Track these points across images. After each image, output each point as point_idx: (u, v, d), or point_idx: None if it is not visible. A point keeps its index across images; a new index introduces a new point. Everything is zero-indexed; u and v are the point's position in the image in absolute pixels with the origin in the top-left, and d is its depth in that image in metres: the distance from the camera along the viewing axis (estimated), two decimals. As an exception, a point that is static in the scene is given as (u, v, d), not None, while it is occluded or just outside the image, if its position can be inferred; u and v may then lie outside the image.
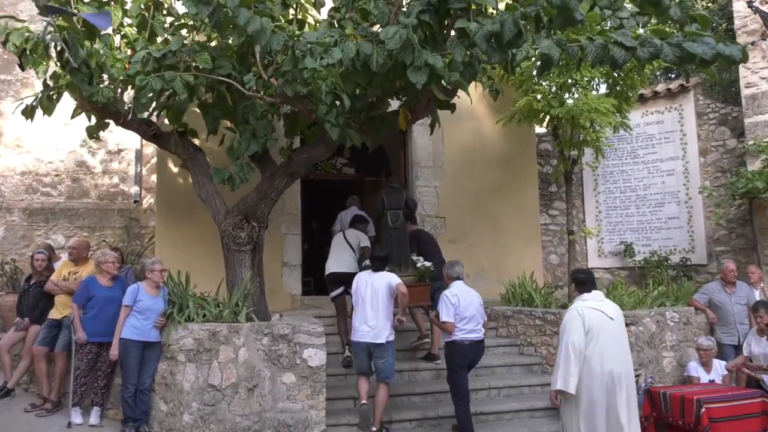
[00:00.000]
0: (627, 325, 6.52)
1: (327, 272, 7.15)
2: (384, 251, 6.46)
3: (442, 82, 4.60)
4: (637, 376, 6.22)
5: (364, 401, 5.86)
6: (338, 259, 7.14)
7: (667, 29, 4.65)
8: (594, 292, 5.05)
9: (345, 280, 6.85)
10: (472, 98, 8.83)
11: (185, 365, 5.62)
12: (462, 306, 5.90)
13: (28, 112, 6.05)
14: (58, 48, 5.11)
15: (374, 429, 5.80)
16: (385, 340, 5.95)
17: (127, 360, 5.59)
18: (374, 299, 6.01)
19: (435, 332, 6.84)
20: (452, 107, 5.82)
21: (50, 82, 6.01)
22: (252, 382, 5.61)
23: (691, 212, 9.76)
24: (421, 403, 6.49)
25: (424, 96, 5.41)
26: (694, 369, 6.70)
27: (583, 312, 4.84)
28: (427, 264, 6.79)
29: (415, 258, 6.96)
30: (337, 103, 5.41)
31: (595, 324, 4.77)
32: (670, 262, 9.66)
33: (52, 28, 4.89)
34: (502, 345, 7.57)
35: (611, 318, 4.84)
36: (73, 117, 6.49)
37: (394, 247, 6.97)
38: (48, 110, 6.01)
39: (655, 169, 10.16)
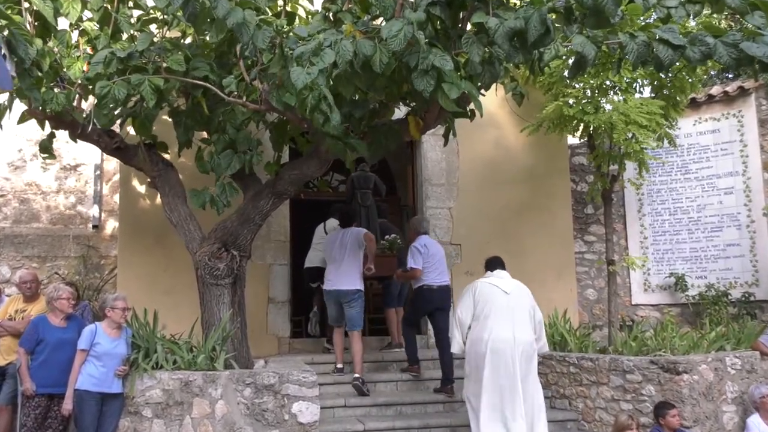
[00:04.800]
0: (678, 373, 6.56)
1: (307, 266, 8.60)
2: (351, 214, 8.24)
3: (446, 91, 4.61)
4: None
5: (341, 365, 7.50)
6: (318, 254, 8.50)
7: (723, 22, 4.69)
8: (497, 270, 6.55)
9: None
10: (492, 103, 9.07)
11: (152, 421, 5.61)
12: (430, 253, 7.52)
13: (-29, 121, 6.10)
14: (2, 51, 5.17)
15: (356, 375, 7.24)
16: (354, 288, 7.48)
17: (82, 415, 5.56)
18: (342, 252, 7.56)
19: (394, 324, 8.40)
20: (469, 114, 5.87)
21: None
22: (231, 442, 5.59)
23: (754, 238, 9.75)
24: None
25: (435, 102, 5.46)
26: (756, 425, 6.66)
27: (477, 286, 6.39)
28: (394, 235, 8.56)
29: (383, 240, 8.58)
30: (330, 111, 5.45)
31: (486, 296, 6.25)
32: (729, 297, 9.62)
33: None
34: (530, 397, 7.53)
35: (506, 292, 6.26)
36: (20, 122, 6.54)
37: (363, 224, 8.51)
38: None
39: (710, 186, 10.17)
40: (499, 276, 6.49)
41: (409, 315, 7.77)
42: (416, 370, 7.59)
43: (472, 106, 5.75)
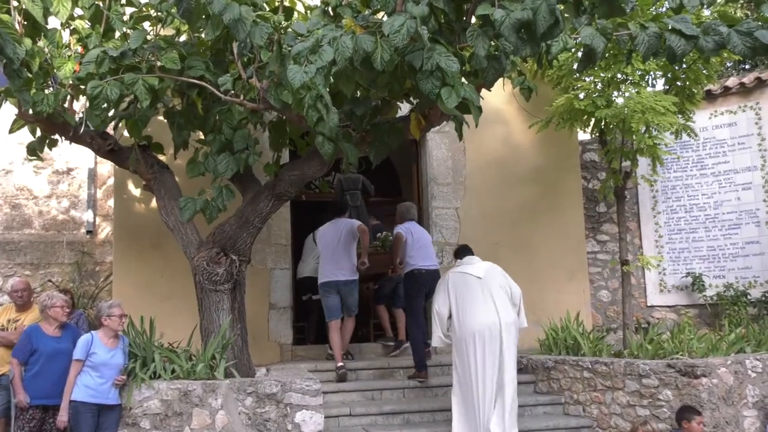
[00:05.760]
0: (697, 376, 6.54)
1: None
2: (343, 203, 9.13)
3: (444, 99, 4.61)
4: None
5: (341, 363, 7.65)
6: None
7: (738, 12, 4.69)
8: (467, 257, 7.02)
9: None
10: (500, 98, 9.06)
11: (150, 433, 5.62)
12: (415, 238, 7.95)
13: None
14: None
15: (339, 365, 7.67)
16: (352, 278, 7.99)
17: (78, 427, 5.57)
18: (337, 242, 7.99)
19: (400, 321, 8.67)
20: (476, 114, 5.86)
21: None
22: (232, 454, 5.60)
23: (774, 235, 9.73)
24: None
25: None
26: (777, 431, 6.65)
27: (449, 277, 6.83)
28: (386, 233, 9.07)
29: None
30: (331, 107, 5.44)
31: (458, 285, 6.68)
32: (749, 297, 9.59)
33: None
34: (542, 404, 7.53)
35: (478, 277, 6.67)
36: (12, 131, 6.57)
37: None
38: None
39: (727, 182, 10.14)
40: (469, 262, 6.94)
41: (411, 311, 7.93)
42: (424, 376, 7.68)
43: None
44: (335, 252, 7.99)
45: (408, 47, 4.56)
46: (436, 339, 6.84)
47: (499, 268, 6.90)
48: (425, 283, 7.82)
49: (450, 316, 6.70)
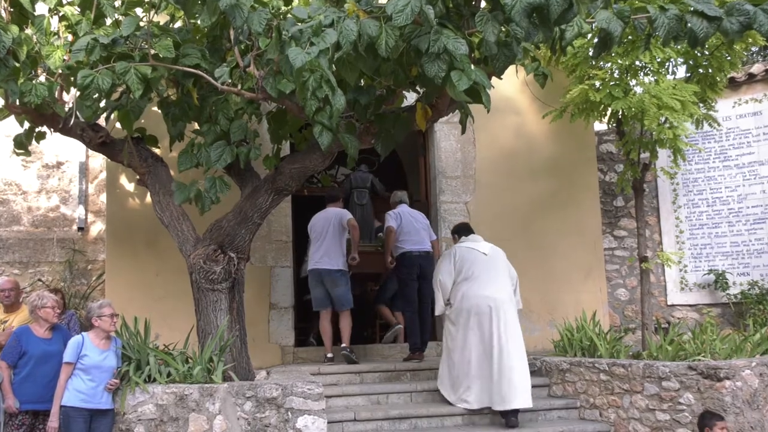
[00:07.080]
0: (720, 379, 6.52)
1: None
2: (336, 190, 9.41)
3: (455, 82, 4.58)
4: None
5: (330, 354, 8.09)
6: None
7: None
8: (471, 235, 7.62)
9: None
10: (512, 87, 9.05)
11: (145, 440, 5.63)
12: (403, 222, 8.35)
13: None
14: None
15: (343, 345, 8.09)
16: (337, 268, 8.16)
17: (69, 433, 5.59)
18: (325, 231, 8.24)
19: (388, 313, 9.33)
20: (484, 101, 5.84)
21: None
22: (231, 461, 5.60)
23: (801, 230, 9.70)
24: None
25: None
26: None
27: (455, 251, 7.43)
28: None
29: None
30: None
31: (467, 259, 7.26)
32: (775, 295, 9.58)
33: None
34: (557, 408, 7.50)
35: (484, 254, 7.30)
36: None
37: (359, 222, 8.94)
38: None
39: (752, 174, 10.11)
40: (475, 240, 7.55)
41: (403, 294, 8.44)
42: (418, 357, 8.19)
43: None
44: (323, 241, 8.24)
45: (414, 31, 4.54)
46: (439, 308, 7.45)
47: (502, 250, 7.49)
48: (415, 264, 8.27)
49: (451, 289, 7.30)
